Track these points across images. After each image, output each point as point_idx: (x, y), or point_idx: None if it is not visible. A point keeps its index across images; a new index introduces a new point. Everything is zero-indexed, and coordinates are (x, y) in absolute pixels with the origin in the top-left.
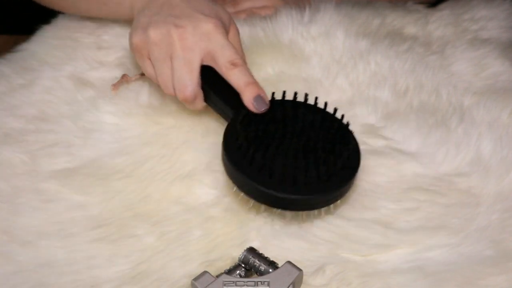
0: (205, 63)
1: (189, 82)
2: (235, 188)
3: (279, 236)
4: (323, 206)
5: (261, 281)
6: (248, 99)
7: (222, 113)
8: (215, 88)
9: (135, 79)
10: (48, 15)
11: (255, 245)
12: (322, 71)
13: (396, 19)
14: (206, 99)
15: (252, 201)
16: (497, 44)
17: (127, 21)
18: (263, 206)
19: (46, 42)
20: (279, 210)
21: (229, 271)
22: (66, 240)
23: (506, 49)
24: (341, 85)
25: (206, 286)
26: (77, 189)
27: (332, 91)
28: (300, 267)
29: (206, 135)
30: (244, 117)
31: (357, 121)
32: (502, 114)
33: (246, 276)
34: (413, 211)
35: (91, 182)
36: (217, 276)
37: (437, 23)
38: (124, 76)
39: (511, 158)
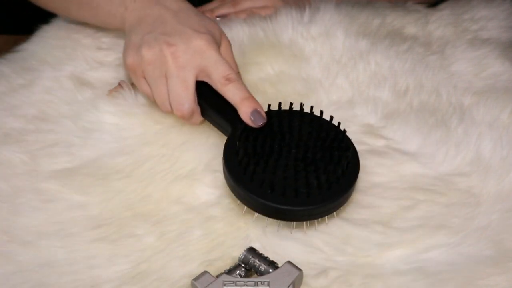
0: (199, 79)
1: (185, 100)
2: (238, 202)
3: (280, 237)
4: (326, 215)
5: (261, 281)
6: (245, 114)
7: (219, 128)
8: (211, 104)
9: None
10: (48, 15)
11: (255, 245)
12: (322, 71)
13: (396, 19)
14: (203, 114)
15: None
16: (497, 44)
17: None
18: None
19: (46, 42)
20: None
21: (229, 271)
22: (66, 240)
23: (506, 49)
24: (341, 85)
25: (206, 286)
26: (77, 189)
27: (332, 91)
28: (302, 269)
29: (206, 135)
30: (242, 132)
31: (357, 121)
32: (502, 114)
33: (246, 276)
34: (413, 211)
35: (91, 182)
36: (217, 276)
37: (437, 23)
38: (122, 82)
39: (511, 158)
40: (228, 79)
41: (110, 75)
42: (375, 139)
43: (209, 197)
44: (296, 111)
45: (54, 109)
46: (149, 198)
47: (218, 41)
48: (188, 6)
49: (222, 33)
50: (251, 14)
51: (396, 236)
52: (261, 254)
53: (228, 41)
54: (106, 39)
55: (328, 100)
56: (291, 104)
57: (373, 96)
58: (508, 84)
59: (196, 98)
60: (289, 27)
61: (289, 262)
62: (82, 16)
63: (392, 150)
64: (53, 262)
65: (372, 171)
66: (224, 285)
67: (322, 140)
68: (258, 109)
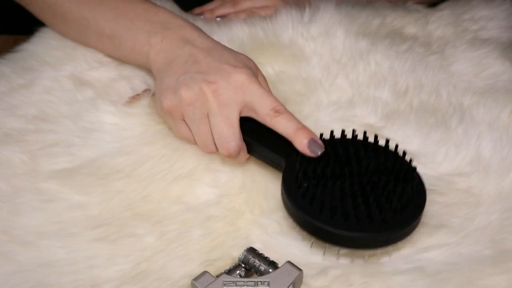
0: (243, 115)
1: (231, 138)
2: (297, 228)
3: (280, 237)
4: (388, 245)
5: (261, 281)
6: (302, 145)
7: (270, 162)
8: (259, 139)
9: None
10: None
11: (256, 245)
12: (322, 71)
13: (396, 19)
14: (249, 150)
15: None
16: (497, 44)
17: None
18: (260, 207)
19: (46, 42)
20: (279, 213)
21: (229, 271)
22: (66, 240)
23: (506, 49)
24: (341, 85)
25: (206, 286)
26: (77, 189)
27: (332, 91)
28: (302, 269)
29: None
30: (300, 163)
31: (357, 121)
32: (502, 114)
33: (246, 276)
34: None
35: (91, 182)
36: (217, 276)
37: (437, 23)
38: (146, 90)
39: (511, 158)
40: (277, 111)
41: (110, 75)
42: None
43: (209, 197)
44: (348, 139)
45: (54, 109)
46: (149, 198)
47: (256, 74)
48: (219, 43)
49: (256, 65)
50: (251, 14)
51: None
52: (261, 254)
53: (262, 74)
54: None
55: (328, 100)
56: (343, 131)
57: (373, 96)
58: (508, 84)
59: (241, 135)
60: (289, 27)
61: (289, 262)
62: (101, 48)
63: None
64: (53, 262)
65: None
66: (224, 285)
67: (384, 167)
68: (315, 138)
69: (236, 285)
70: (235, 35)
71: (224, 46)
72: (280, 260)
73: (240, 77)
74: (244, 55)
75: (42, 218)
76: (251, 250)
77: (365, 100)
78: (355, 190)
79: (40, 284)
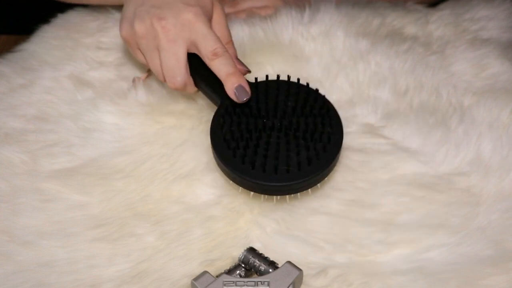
0: (191, 52)
1: (177, 72)
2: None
3: (280, 237)
4: (306, 189)
5: (261, 281)
6: (230, 89)
7: (211, 99)
8: (202, 76)
9: (146, 77)
10: (48, 15)
11: (255, 245)
12: (322, 71)
13: (396, 19)
14: (197, 85)
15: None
16: (497, 44)
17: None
18: (260, 207)
19: (46, 42)
20: (278, 213)
21: (229, 271)
22: (66, 239)
23: (506, 49)
24: (341, 85)
25: (206, 286)
26: (77, 188)
27: (332, 91)
28: (301, 269)
29: (206, 135)
30: (227, 107)
31: (357, 121)
32: (502, 114)
33: (246, 276)
34: (412, 210)
35: (91, 182)
36: (217, 276)
37: (437, 23)
38: (135, 79)
39: (511, 158)
40: (215, 54)
41: (110, 75)
42: (375, 139)
43: (209, 197)
44: (282, 81)
45: (54, 109)
46: (149, 197)
47: (209, 12)
48: None
49: (215, 4)
50: (251, 14)
51: (396, 235)
52: (261, 254)
53: (221, 11)
54: (106, 39)
55: (328, 99)
56: (278, 76)
57: (373, 96)
58: (508, 84)
59: (188, 70)
60: (289, 27)
61: (289, 262)
62: None
63: (392, 150)
64: (53, 262)
65: (372, 171)
66: (224, 285)
67: (306, 110)
68: (243, 84)
69: (236, 285)
70: (235, 35)
71: None
72: (280, 260)
73: (188, 15)
74: None
75: (42, 218)
76: (251, 250)
77: (365, 100)
78: (271, 138)
79: (40, 284)
